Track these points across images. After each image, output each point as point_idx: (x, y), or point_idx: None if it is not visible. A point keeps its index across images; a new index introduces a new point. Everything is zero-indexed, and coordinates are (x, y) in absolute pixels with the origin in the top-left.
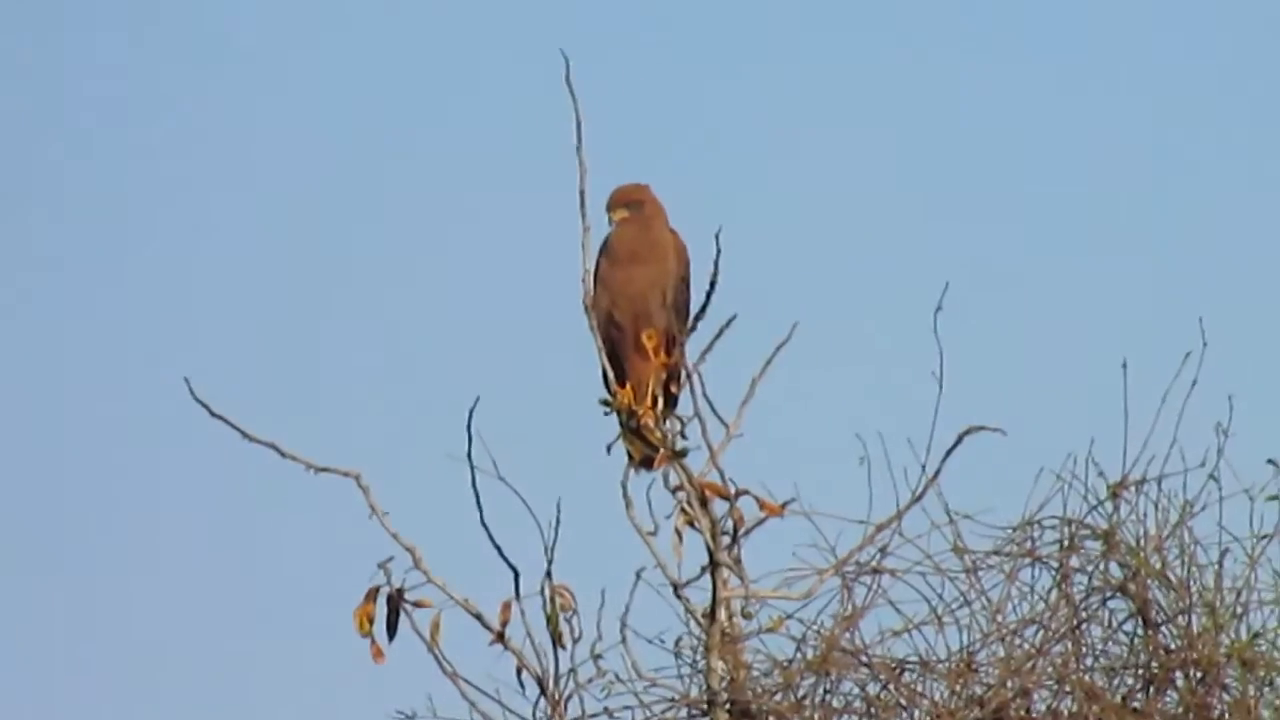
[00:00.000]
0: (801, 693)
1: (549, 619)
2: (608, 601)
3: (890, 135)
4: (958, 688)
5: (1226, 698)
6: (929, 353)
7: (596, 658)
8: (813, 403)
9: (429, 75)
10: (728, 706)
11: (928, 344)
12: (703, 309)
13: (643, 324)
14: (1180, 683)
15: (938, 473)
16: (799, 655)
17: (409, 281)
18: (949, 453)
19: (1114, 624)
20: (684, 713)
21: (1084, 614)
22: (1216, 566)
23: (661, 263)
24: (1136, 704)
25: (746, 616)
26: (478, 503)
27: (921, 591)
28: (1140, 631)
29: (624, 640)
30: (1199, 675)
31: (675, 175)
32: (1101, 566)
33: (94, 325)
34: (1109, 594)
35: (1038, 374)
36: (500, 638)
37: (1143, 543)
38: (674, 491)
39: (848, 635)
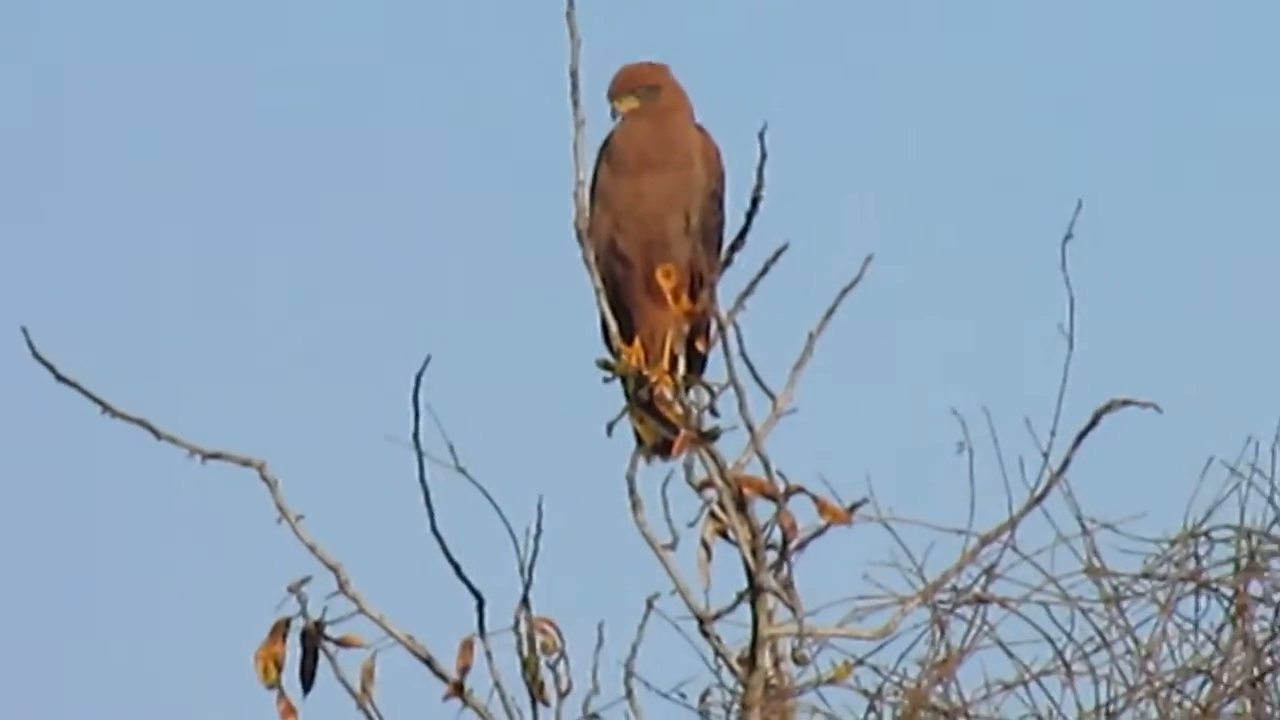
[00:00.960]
0: None
1: (526, 664)
2: (608, 641)
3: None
4: None
5: None
6: (1053, 299)
7: (592, 718)
8: (890, 367)
9: None
10: None
11: (1052, 286)
12: (741, 236)
13: (658, 256)
14: None
15: (1066, 465)
16: (873, 715)
17: (330, 193)
18: (1081, 437)
19: None
20: None
21: (1269, 660)
22: None
23: (683, 170)
24: None
25: (800, 661)
26: (427, 503)
27: (1043, 628)
28: None
29: (629, 694)
30: None
31: (707, 57)
32: None
33: None
34: None
35: (1204, 330)
36: (458, 690)
37: None
38: (700, 489)
39: (940, 688)
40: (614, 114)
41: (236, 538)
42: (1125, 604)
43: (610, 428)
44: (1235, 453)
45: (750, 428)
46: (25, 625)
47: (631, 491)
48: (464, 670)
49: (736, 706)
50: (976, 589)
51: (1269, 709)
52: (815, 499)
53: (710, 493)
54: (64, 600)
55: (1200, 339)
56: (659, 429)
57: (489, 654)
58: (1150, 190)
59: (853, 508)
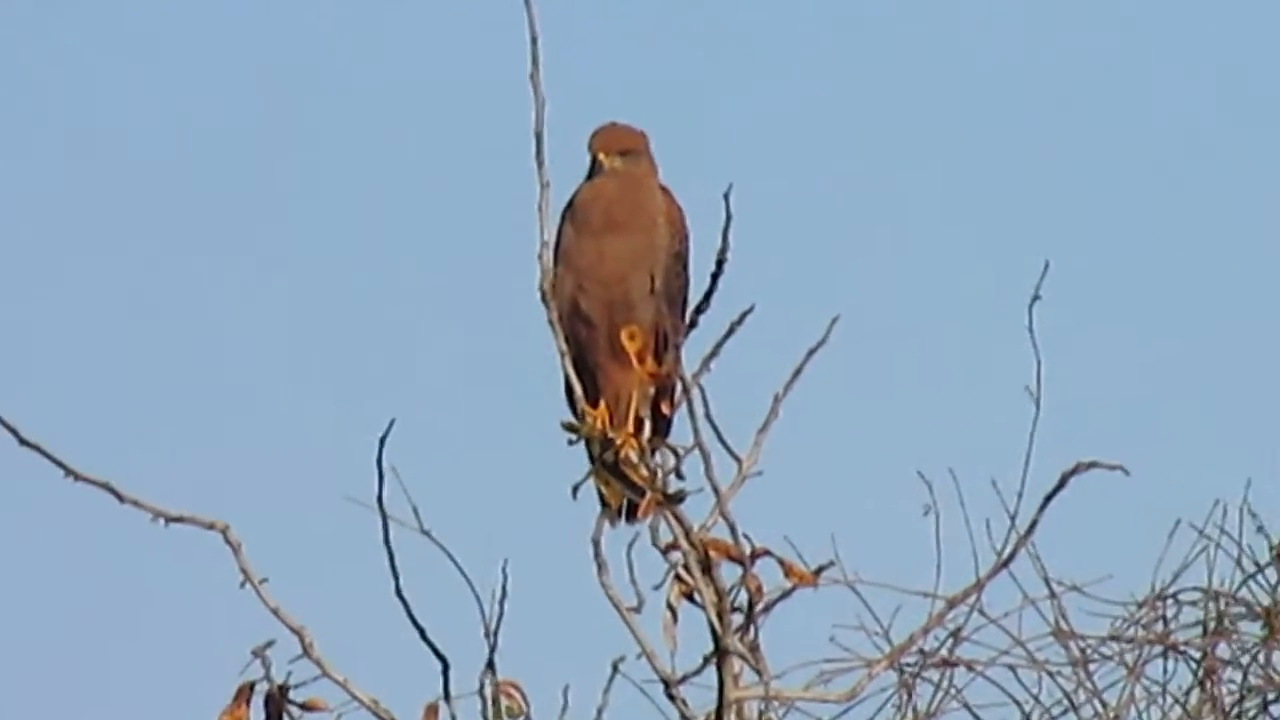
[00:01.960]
0: None
1: None
2: (573, 704)
3: (958, 71)
4: None
5: None
6: (1020, 360)
7: None
8: (856, 429)
9: None
10: None
11: (1018, 348)
12: (706, 298)
13: (622, 318)
14: None
15: (1033, 527)
16: None
17: (295, 253)
18: (1049, 499)
19: None
20: None
21: None
22: None
23: (647, 232)
24: None
25: None
26: (392, 566)
27: (1010, 691)
28: None
29: None
30: None
31: (665, 118)
32: (1261, 657)
33: None
34: (1272, 696)
35: (1170, 392)
36: None
37: None
38: (666, 552)
39: None
40: (595, 165)
41: (200, 601)
42: (1093, 667)
43: (575, 490)
44: (1203, 515)
45: (716, 490)
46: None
47: (597, 554)
48: None
49: None
50: (943, 652)
51: None
52: (781, 562)
53: (676, 555)
54: (24, 664)
55: (1167, 401)
56: (624, 491)
57: (454, 717)
58: (1117, 249)
59: (819, 570)
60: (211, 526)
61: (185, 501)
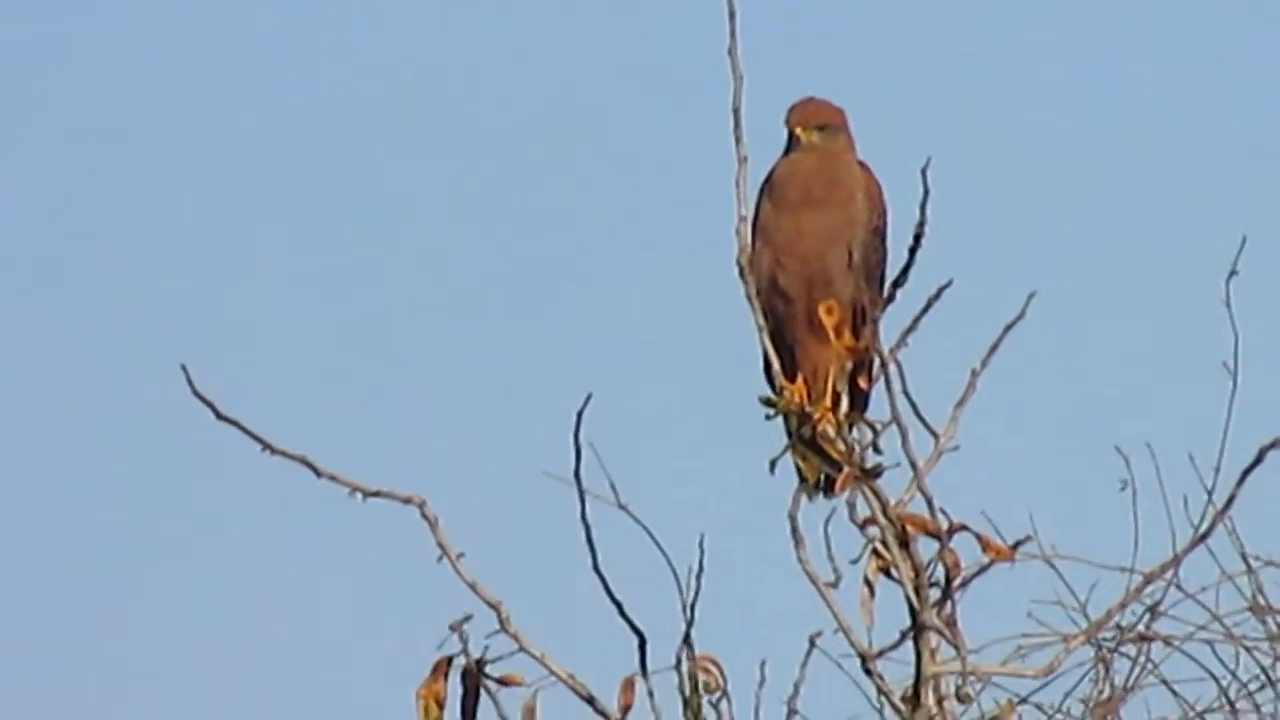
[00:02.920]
0: None
1: (688, 703)
2: (770, 679)
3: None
4: None
5: None
6: (1217, 334)
7: None
8: (1053, 404)
9: None
10: None
11: (1215, 322)
12: (903, 272)
13: (820, 293)
14: None
15: (1230, 502)
16: None
17: (487, 229)
18: (1246, 474)
19: None
20: None
21: None
22: None
23: (845, 207)
24: None
25: (964, 700)
26: (589, 541)
27: (1207, 666)
28: None
29: None
30: None
31: (869, 92)
32: None
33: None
34: None
35: None
36: None
37: None
38: (863, 527)
39: None
40: (792, 139)
41: (397, 576)
42: None
43: (773, 465)
44: None
45: (913, 465)
46: (185, 663)
47: (794, 529)
48: (626, 709)
49: None
50: (1140, 627)
51: None
52: (978, 537)
53: (873, 530)
54: (225, 638)
55: None
56: (821, 466)
57: (651, 693)
58: None
59: (1016, 545)
60: (409, 501)
61: (382, 477)
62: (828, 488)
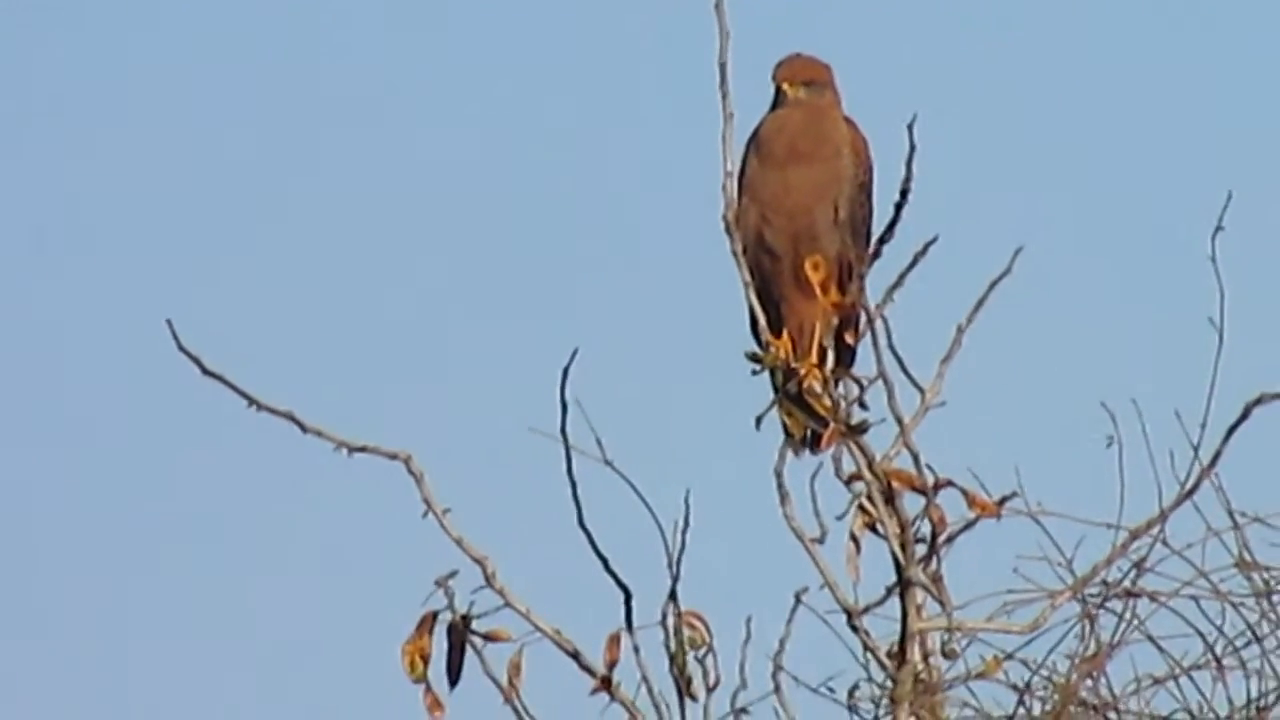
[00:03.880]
0: None
1: (674, 658)
2: (755, 635)
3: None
4: None
5: None
6: (1203, 290)
7: (740, 712)
8: (1038, 359)
9: None
10: None
11: (1202, 277)
12: (889, 228)
13: (806, 248)
14: None
15: (1216, 458)
16: (1022, 710)
17: (475, 190)
18: (1232, 430)
19: None
20: None
21: None
22: None
23: (832, 162)
24: None
25: (949, 655)
26: (574, 496)
27: (1193, 623)
28: None
29: (777, 688)
30: None
31: (848, 49)
32: None
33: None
34: None
35: None
36: (606, 684)
37: None
38: (849, 483)
39: (1090, 683)
40: (779, 94)
41: (383, 531)
42: (1276, 598)
43: (759, 421)
44: None
45: (899, 421)
46: (172, 617)
47: (780, 485)
48: (612, 664)
49: (885, 701)
50: (1126, 583)
51: None
52: (964, 492)
53: (859, 486)
54: (210, 593)
55: None
56: (807, 422)
57: (636, 648)
58: None
59: (1002, 501)
60: (394, 457)
61: (368, 432)
62: (813, 443)
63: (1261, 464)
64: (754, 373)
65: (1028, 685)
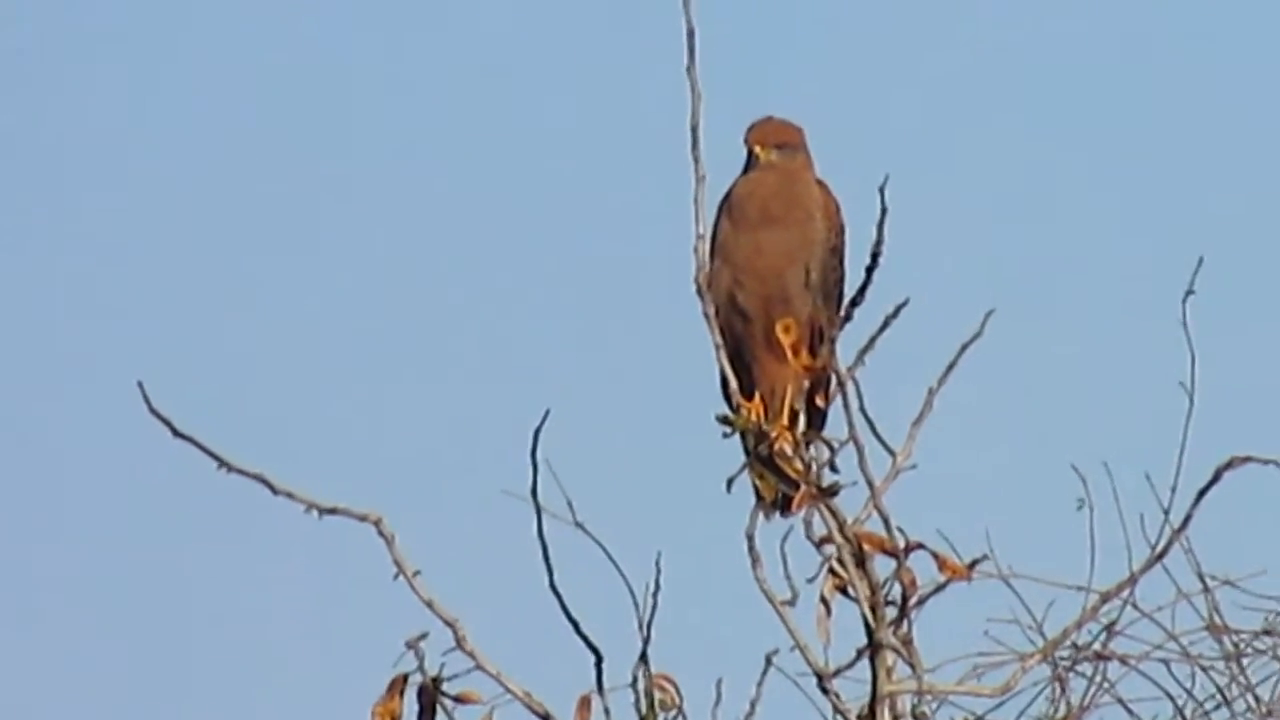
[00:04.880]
0: None
1: None
2: (726, 697)
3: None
4: None
5: None
6: (1174, 354)
7: None
8: (1010, 423)
9: None
10: None
11: (1172, 341)
12: (861, 292)
13: (778, 312)
14: None
15: (1187, 521)
16: None
17: (443, 245)
18: (1202, 493)
19: None
20: None
21: None
22: None
23: (804, 226)
24: None
25: (920, 719)
26: (545, 559)
27: (1164, 686)
28: None
29: None
30: None
31: (821, 113)
32: None
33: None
34: None
35: None
36: None
37: None
38: (820, 545)
39: None
40: (751, 157)
41: (353, 593)
42: (1246, 661)
43: (730, 483)
44: None
45: (870, 483)
46: (139, 682)
47: (751, 548)
48: None
49: None
50: (1097, 646)
51: None
52: (935, 555)
53: (830, 549)
54: (178, 657)
55: None
56: (778, 485)
57: (607, 710)
58: (1273, 243)
59: (973, 564)
60: (365, 518)
61: (338, 494)
62: (785, 506)
63: (1231, 528)
64: (725, 435)
65: None
